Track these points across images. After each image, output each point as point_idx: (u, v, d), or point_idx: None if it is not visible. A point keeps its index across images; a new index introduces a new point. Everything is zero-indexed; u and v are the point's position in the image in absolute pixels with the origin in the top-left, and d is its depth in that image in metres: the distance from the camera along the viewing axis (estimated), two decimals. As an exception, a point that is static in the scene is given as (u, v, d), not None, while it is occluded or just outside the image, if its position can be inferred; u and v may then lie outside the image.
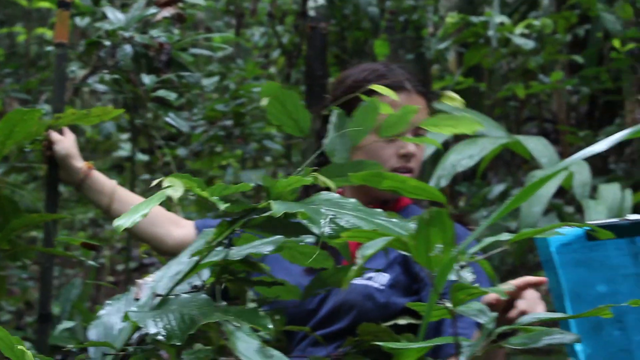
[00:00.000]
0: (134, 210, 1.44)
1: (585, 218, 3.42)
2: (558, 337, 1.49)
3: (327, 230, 1.39)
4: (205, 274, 1.65)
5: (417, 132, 2.39)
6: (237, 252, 1.63)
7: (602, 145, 1.23)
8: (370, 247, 1.36)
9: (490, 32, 4.70)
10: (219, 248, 1.61)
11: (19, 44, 7.21)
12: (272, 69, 7.77)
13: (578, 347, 1.85)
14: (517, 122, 6.38)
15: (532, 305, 1.79)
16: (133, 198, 2.57)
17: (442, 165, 3.39)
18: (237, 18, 6.74)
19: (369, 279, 2.36)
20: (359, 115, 1.74)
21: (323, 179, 1.57)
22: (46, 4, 5.09)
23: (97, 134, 5.63)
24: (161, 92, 3.46)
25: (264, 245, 1.64)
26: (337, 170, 1.64)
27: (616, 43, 4.65)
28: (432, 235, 1.31)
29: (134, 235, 2.64)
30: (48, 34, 5.93)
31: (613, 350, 1.84)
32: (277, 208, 1.43)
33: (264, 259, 2.19)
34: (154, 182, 1.52)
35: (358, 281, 2.37)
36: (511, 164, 6.84)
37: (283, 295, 1.93)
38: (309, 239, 1.55)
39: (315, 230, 1.40)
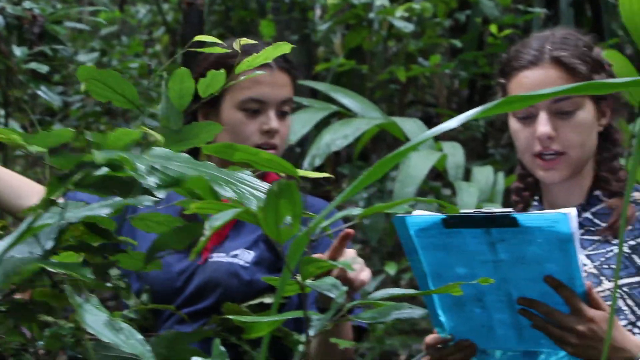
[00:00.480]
0: None
1: (458, 199, 3.48)
2: (407, 312, 1.50)
3: (154, 180, 1.36)
4: (49, 243, 1.60)
5: (281, 108, 2.40)
6: (74, 215, 1.58)
7: (454, 122, 1.24)
8: (219, 219, 1.35)
9: (371, 15, 4.73)
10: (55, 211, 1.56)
11: None
12: (158, 47, 7.70)
13: (443, 319, 1.92)
14: (400, 105, 6.44)
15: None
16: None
17: (316, 144, 3.40)
18: (120, -6, 6.66)
19: (234, 256, 2.37)
20: (174, 82, 1.73)
21: (151, 132, 1.54)
22: None
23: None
24: (33, 65, 3.39)
25: (101, 208, 1.58)
26: (174, 137, 1.62)
27: (493, 28, 4.73)
28: (281, 207, 1.31)
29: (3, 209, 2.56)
30: None
31: (475, 325, 1.91)
32: (99, 156, 1.36)
33: (132, 233, 2.17)
34: None
35: (223, 259, 2.37)
36: (393, 147, 6.90)
37: (144, 267, 1.88)
38: (148, 202, 1.51)
39: (141, 179, 1.36)
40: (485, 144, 6.24)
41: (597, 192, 2.15)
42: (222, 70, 1.71)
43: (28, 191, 2.51)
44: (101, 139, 1.48)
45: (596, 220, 2.14)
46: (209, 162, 1.45)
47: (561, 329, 1.81)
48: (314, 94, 5.04)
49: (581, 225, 2.13)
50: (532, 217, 1.75)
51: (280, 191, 1.29)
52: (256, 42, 1.79)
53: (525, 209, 2.25)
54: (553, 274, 1.79)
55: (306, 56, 6.75)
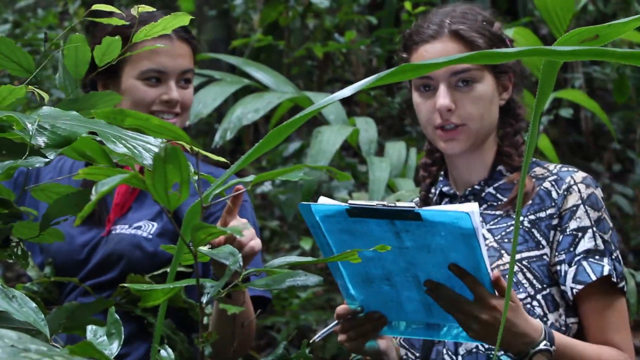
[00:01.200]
0: None
1: (370, 174, 3.49)
2: (301, 279, 1.50)
3: (43, 140, 1.33)
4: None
5: (182, 78, 2.39)
6: None
7: (347, 91, 1.24)
8: (107, 184, 1.34)
9: (287, -10, 4.73)
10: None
11: None
12: (75, 20, 7.59)
13: (353, 292, 1.95)
14: (319, 82, 6.44)
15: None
16: None
17: (227, 118, 3.39)
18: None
19: (138, 228, 2.36)
20: (69, 50, 1.70)
21: (38, 91, 1.52)
22: None
23: None
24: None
25: None
26: (70, 105, 1.60)
27: (407, 5, 4.75)
28: (169, 172, 1.29)
29: None
30: None
31: (385, 300, 1.94)
32: None
33: (35, 205, 2.13)
34: None
35: (126, 231, 2.36)
36: (313, 124, 6.92)
37: (44, 238, 1.85)
38: (39, 163, 1.47)
39: (31, 141, 1.33)
40: (402, 121, 6.27)
41: (500, 167, 2.18)
42: (118, 38, 1.68)
43: None
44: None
45: (498, 195, 2.17)
46: (99, 120, 1.43)
47: (464, 315, 1.84)
48: (233, 69, 5.01)
49: (484, 200, 2.17)
50: (434, 213, 1.77)
51: (166, 156, 1.28)
52: (154, 9, 1.77)
53: (432, 184, 2.27)
54: (458, 262, 1.82)
55: (225, 32, 6.71)
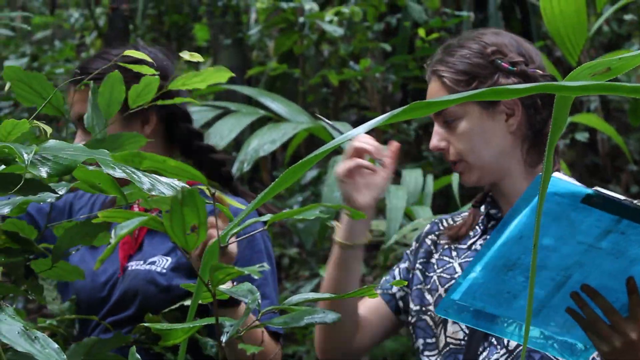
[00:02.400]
0: None
1: (387, 202, 3.50)
2: (319, 316, 1.51)
3: (45, 170, 1.34)
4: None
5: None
6: None
7: (362, 129, 1.24)
8: (125, 227, 1.35)
9: (301, 19, 4.74)
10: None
11: None
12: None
13: (474, 272, 1.84)
14: (335, 109, 6.45)
15: None
16: None
17: (244, 150, 3.41)
18: (51, -1, 6.60)
19: (152, 263, 2.38)
20: (105, 88, 1.71)
21: (42, 126, 1.53)
22: None
23: None
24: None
25: (1, 207, 1.55)
26: (97, 145, 1.61)
27: (421, 32, 4.77)
28: (187, 214, 1.31)
29: None
30: None
31: (502, 289, 1.84)
32: None
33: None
34: None
35: (141, 267, 2.38)
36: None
37: (66, 275, 1.86)
38: (50, 198, 1.48)
39: (33, 172, 1.34)
40: (419, 146, 6.27)
41: None
42: (157, 79, 1.69)
43: None
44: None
45: None
46: (102, 149, 1.44)
47: (612, 329, 1.79)
48: (248, 99, 5.04)
49: None
50: None
51: (184, 198, 1.29)
52: (202, 59, 1.75)
53: (481, 202, 2.26)
54: (636, 277, 1.78)
55: (241, 59, 6.74)
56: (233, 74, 1.65)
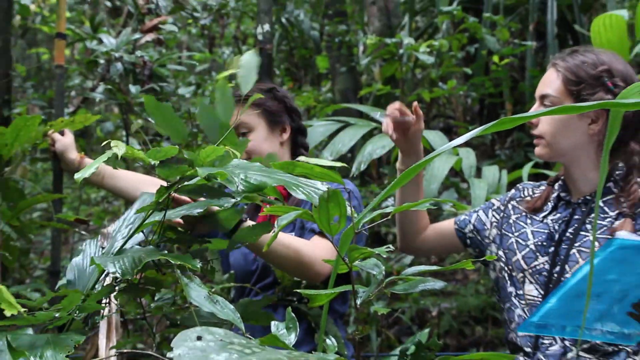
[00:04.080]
0: (89, 166, 1.40)
1: (471, 192, 3.46)
2: (431, 284, 1.51)
3: (240, 187, 1.38)
4: (151, 235, 1.63)
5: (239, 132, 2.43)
6: (174, 213, 1.61)
7: (462, 139, 1.24)
8: (285, 219, 1.38)
9: (401, 51, 4.72)
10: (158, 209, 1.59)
11: (43, 61, 7.13)
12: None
13: (550, 303, 1.71)
14: (426, 119, 6.41)
15: None
16: (118, 172, 2.53)
17: (361, 153, 3.42)
18: (209, 40, 6.71)
19: None
20: (219, 100, 1.74)
21: (231, 150, 1.57)
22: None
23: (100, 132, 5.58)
24: (144, 98, 3.45)
25: (193, 208, 1.61)
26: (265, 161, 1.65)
27: (495, 58, 4.71)
28: (331, 209, 1.33)
29: (129, 201, 2.59)
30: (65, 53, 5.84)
31: (572, 309, 1.72)
32: (202, 172, 1.41)
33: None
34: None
35: None
36: (425, 152, 6.87)
37: (218, 245, 1.87)
38: (228, 203, 1.52)
39: (232, 187, 1.38)
40: (493, 146, 6.19)
41: (610, 184, 2.05)
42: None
43: (147, 184, 2.54)
44: (194, 155, 1.52)
45: (605, 208, 2.02)
46: (277, 170, 1.48)
47: None
48: (360, 114, 5.05)
49: (592, 210, 2.04)
50: None
51: (329, 197, 1.32)
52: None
53: (553, 183, 2.20)
54: None
55: (353, 83, 6.76)
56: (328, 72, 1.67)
